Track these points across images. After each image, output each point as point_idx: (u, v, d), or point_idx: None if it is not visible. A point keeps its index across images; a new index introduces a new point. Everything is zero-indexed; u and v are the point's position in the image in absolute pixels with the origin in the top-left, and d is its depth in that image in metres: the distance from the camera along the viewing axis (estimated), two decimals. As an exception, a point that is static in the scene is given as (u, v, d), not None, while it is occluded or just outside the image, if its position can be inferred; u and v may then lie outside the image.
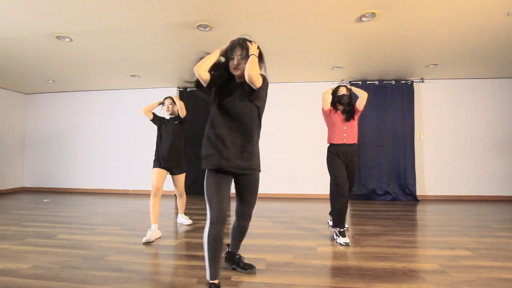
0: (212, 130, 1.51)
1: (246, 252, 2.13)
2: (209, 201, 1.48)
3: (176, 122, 2.90)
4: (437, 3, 2.61)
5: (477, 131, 4.93)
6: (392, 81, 5.00)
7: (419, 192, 4.90)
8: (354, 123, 2.66)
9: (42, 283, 1.64)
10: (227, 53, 1.59)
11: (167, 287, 1.61)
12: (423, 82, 5.03)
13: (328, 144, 2.76)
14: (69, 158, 5.91)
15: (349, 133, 2.63)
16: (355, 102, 2.68)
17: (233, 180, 1.59)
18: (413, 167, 4.87)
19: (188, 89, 5.61)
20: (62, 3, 2.57)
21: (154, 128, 5.67)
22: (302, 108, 5.24)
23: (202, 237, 2.55)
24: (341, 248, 2.29)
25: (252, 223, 1.89)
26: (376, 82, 5.03)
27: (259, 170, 1.61)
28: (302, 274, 1.78)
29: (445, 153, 4.97)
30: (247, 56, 1.53)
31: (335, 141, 2.64)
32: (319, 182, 4.97)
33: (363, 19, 2.88)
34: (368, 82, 5.04)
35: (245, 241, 2.44)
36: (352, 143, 2.64)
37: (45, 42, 3.41)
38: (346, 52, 3.86)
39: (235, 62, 1.55)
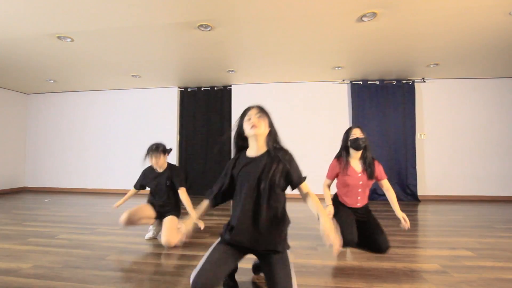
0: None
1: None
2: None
3: (168, 184, 2.53)
4: (438, 2, 2.60)
5: (478, 131, 4.92)
6: (393, 81, 4.99)
7: (420, 192, 4.89)
8: (370, 183, 2.12)
9: (44, 282, 1.64)
10: (240, 121, 1.47)
11: (168, 287, 1.61)
12: (424, 82, 5.02)
13: (334, 195, 2.27)
14: (70, 158, 5.92)
15: (363, 197, 2.14)
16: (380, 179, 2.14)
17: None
18: (414, 167, 4.86)
19: (188, 89, 5.62)
20: (63, 3, 2.58)
21: (154, 128, 5.67)
22: (303, 108, 5.24)
23: (202, 237, 2.56)
24: (342, 248, 2.29)
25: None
26: (377, 82, 5.02)
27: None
28: (303, 274, 1.78)
29: (446, 153, 4.96)
30: (263, 114, 1.44)
31: (347, 203, 2.16)
32: (320, 182, 4.96)
33: (364, 18, 2.88)
34: (369, 82, 5.04)
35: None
36: (364, 206, 2.17)
37: (46, 42, 3.42)
38: (347, 52, 3.85)
39: (252, 120, 1.39)
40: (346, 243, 1.91)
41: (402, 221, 1.93)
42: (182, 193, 2.47)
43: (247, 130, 1.38)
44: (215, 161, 5.47)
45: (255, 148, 1.40)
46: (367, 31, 3.18)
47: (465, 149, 4.91)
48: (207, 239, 2.52)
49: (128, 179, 5.59)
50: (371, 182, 2.12)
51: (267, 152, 1.39)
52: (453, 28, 3.09)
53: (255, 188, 1.34)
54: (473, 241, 2.46)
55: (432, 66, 4.37)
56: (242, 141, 1.47)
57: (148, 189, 2.65)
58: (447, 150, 4.96)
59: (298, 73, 4.77)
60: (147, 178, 2.61)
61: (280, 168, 1.34)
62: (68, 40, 3.36)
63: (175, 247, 2.27)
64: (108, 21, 2.92)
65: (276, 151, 1.38)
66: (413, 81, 4.98)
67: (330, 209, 2.12)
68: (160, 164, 2.54)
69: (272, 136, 1.42)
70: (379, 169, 2.13)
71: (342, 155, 2.18)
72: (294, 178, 1.38)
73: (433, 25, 3.03)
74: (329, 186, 2.25)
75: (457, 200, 4.82)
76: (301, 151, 5.20)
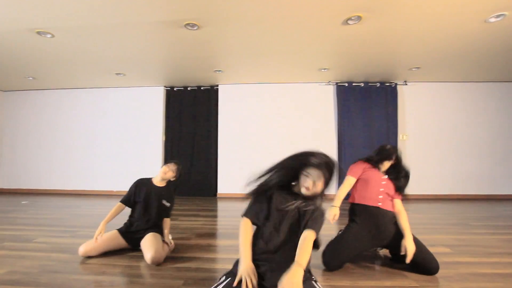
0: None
1: (236, 252, 2.12)
2: None
3: (162, 202, 2.24)
4: (419, 9, 2.70)
5: (457, 133, 5.13)
6: (377, 83, 5.12)
7: (402, 191, 5.04)
8: (392, 193, 1.94)
9: (19, 288, 1.57)
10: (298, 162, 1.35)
11: (151, 290, 1.58)
12: (406, 84, 5.19)
13: (350, 205, 2.02)
14: (49, 158, 5.70)
15: (385, 201, 1.90)
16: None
17: None
18: (397, 167, 5.01)
19: (175, 89, 5.54)
20: (43, -3, 2.49)
21: (139, 128, 5.55)
22: (289, 108, 5.28)
23: (188, 238, 2.53)
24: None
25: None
26: (362, 84, 5.14)
27: None
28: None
29: (426, 154, 5.14)
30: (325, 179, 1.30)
31: (365, 202, 1.90)
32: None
33: (349, 22, 2.94)
34: (354, 84, 5.15)
35: (234, 241, 2.44)
36: (388, 211, 1.89)
37: (25, 37, 3.28)
38: (333, 54, 3.92)
39: (310, 185, 1.29)
40: (329, 267, 1.79)
41: (404, 251, 1.73)
42: (168, 222, 2.25)
43: (301, 183, 1.31)
44: (201, 161, 5.43)
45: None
46: (352, 34, 3.25)
47: (444, 151, 5.11)
48: (192, 241, 2.50)
49: (111, 180, 5.45)
50: (393, 193, 1.94)
51: (302, 200, 1.33)
52: (433, 33, 3.22)
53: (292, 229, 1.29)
54: (450, 238, 2.56)
55: (413, 69, 4.52)
56: (289, 180, 1.39)
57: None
58: (427, 151, 5.14)
59: (285, 74, 4.81)
60: (140, 191, 2.24)
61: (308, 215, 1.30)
62: (49, 35, 3.24)
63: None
64: (91, 17, 2.84)
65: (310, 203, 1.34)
66: (396, 84, 5.14)
67: (336, 211, 1.96)
68: (168, 176, 2.28)
69: (320, 196, 1.36)
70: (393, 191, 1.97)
71: (371, 159, 2.08)
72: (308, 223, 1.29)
73: (415, 30, 3.14)
74: (350, 186, 2.02)
75: (436, 199, 5.00)
76: (287, 151, 5.24)
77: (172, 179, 2.34)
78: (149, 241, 2.00)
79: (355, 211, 1.95)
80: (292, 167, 1.36)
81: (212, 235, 2.71)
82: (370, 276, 1.73)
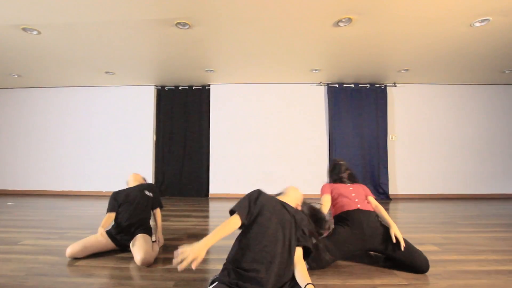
0: None
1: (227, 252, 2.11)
2: None
3: (144, 194, 2.30)
4: (407, 12, 2.76)
5: (445, 134, 5.26)
6: (367, 85, 5.20)
7: (391, 191, 5.14)
8: (361, 187, 2.16)
9: (4, 292, 1.53)
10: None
11: (142, 292, 1.56)
12: (396, 86, 5.29)
13: (334, 218, 2.09)
14: (37, 158, 5.55)
15: (361, 201, 2.02)
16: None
17: None
18: (386, 167, 5.10)
19: (166, 88, 5.48)
20: (29, -7, 2.42)
21: (130, 128, 5.47)
22: (281, 109, 5.31)
23: (180, 239, 2.51)
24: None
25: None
26: (352, 85, 5.21)
27: None
28: (280, 273, 1.79)
29: (415, 154, 5.25)
30: None
31: (345, 208, 1.99)
32: (303, 182, 5.05)
33: (340, 23, 2.98)
34: (344, 85, 5.21)
35: (228, 241, 2.43)
36: (367, 210, 1.95)
37: (10, 34, 3.19)
38: (324, 55, 3.96)
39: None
40: (311, 266, 1.82)
41: (394, 238, 1.79)
42: (159, 213, 2.36)
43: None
44: (193, 162, 5.39)
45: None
46: (343, 36, 3.29)
47: (432, 151, 5.24)
48: (184, 241, 2.47)
49: (100, 180, 5.35)
50: (364, 194, 2.10)
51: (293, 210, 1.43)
52: (422, 36, 3.29)
53: (284, 233, 1.30)
54: (438, 237, 2.62)
55: (402, 71, 4.61)
56: None
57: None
58: (416, 151, 5.25)
59: (277, 74, 4.83)
60: (119, 197, 2.25)
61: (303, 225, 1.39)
62: (35, 32, 3.15)
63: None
64: (79, 14, 2.78)
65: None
66: (385, 85, 5.23)
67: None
68: (137, 178, 2.47)
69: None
70: (363, 187, 2.18)
71: (333, 177, 2.32)
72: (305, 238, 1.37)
73: (404, 33, 3.20)
74: (329, 202, 2.11)
75: (425, 198, 5.11)
76: (279, 151, 5.26)
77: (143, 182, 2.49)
78: (139, 243, 1.98)
79: (339, 219, 1.99)
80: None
81: (204, 235, 2.67)
82: (360, 275, 1.76)
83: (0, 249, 2.24)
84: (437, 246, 2.34)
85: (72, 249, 1.99)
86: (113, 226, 2.21)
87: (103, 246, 2.11)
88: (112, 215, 2.18)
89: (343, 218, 1.95)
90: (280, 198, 1.54)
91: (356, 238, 1.86)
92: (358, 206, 1.96)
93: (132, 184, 2.42)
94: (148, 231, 2.19)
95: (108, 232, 2.16)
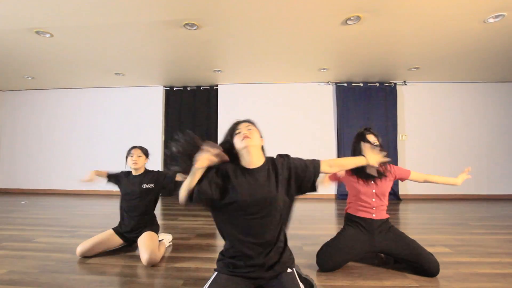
0: None
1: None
2: None
3: (144, 187, 2.20)
4: (418, 9, 2.71)
5: (456, 133, 5.14)
6: (376, 84, 5.13)
7: (401, 191, 5.05)
8: (387, 187, 1.86)
9: (19, 288, 1.57)
10: (227, 137, 1.32)
11: (152, 290, 1.58)
12: (406, 84, 5.20)
13: (345, 214, 1.99)
14: (49, 158, 5.69)
15: (379, 207, 1.85)
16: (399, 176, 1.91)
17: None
18: (396, 167, 5.02)
19: (174, 89, 5.54)
20: (42, -3, 2.48)
21: (139, 128, 5.54)
22: (289, 108, 5.29)
23: (188, 238, 2.53)
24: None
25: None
26: (361, 84, 5.14)
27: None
28: (288, 273, 1.78)
29: (426, 154, 5.15)
30: (254, 126, 1.32)
31: (360, 214, 1.87)
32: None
33: (348, 22, 2.94)
34: (353, 84, 5.15)
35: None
36: (383, 219, 1.85)
37: (24, 37, 3.28)
38: (332, 54, 3.92)
39: (243, 131, 1.25)
40: (322, 268, 1.79)
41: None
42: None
43: (238, 143, 1.23)
44: (201, 161, 5.42)
45: (248, 163, 1.24)
46: (352, 35, 3.25)
47: (443, 150, 5.12)
48: (192, 241, 2.49)
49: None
50: (387, 190, 1.87)
51: (266, 163, 1.27)
52: (432, 34, 3.22)
53: (262, 204, 1.18)
54: (450, 238, 2.56)
55: (413, 69, 4.53)
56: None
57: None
58: (427, 151, 5.15)
59: (285, 74, 4.81)
60: (122, 180, 2.26)
61: (285, 175, 1.25)
62: (47, 35, 3.23)
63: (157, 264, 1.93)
64: (90, 17, 2.84)
65: (273, 160, 1.29)
66: (395, 84, 5.14)
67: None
68: (139, 162, 2.21)
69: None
70: (398, 170, 1.93)
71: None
72: (310, 171, 1.26)
73: (414, 30, 3.14)
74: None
75: (436, 198, 5.01)
76: (286, 151, 5.23)
77: (146, 163, 2.31)
78: (144, 242, 1.98)
79: (350, 219, 1.92)
80: (226, 142, 1.30)
81: (212, 235, 2.70)
82: (369, 276, 1.73)
83: (15, 246, 2.31)
84: (449, 247, 2.29)
85: (82, 247, 2.01)
86: (119, 222, 2.22)
87: (112, 243, 2.12)
88: (105, 176, 2.27)
89: (354, 221, 1.89)
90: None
91: (363, 243, 1.83)
92: (373, 216, 1.84)
93: (133, 172, 2.28)
94: (155, 227, 2.19)
95: (115, 229, 2.17)
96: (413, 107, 5.20)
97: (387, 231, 1.85)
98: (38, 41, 3.38)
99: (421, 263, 1.71)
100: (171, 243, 2.37)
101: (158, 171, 2.33)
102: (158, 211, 3.93)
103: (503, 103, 5.15)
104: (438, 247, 2.31)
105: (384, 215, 1.88)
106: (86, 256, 2.03)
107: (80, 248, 2.01)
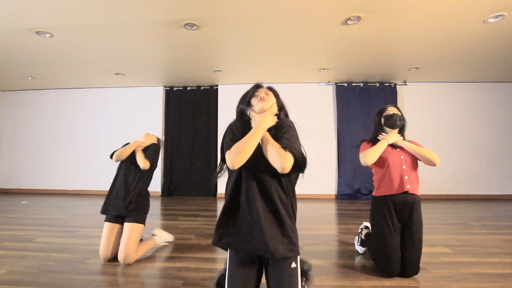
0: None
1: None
2: None
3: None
4: (418, 9, 2.70)
5: (457, 133, 5.14)
6: (376, 83, 5.12)
7: (401, 191, 5.04)
8: (414, 163, 1.83)
9: (19, 288, 1.57)
10: (244, 98, 1.33)
11: (152, 290, 1.58)
12: (406, 84, 5.19)
13: (372, 198, 1.89)
14: (49, 158, 5.69)
15: (412, 178, 1.76)
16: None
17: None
18: (396, 167, 5.02)
19: (174, 88, 5.54)
20: (42, -3, 2.48)
21: (139, 128, 5.54)
22: (289, 108, 5.27)
23: (188, 238, 2.53)
24: (327, 247, 2.33)
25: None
26: (361, 84, 5.14)
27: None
28: (288, 273, 1.78)
29: (426, 154, 5.14)
30: (272, 92, 1.33)
31: (394, 189, 1.73)
32: (311, 182, 5.03)
33: (348, 22, 2.94)
34: (353, 84, 5.15)
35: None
36: (414, 194, 1.75)
37: (24, 37, 3.28)
38: (332, 54, 3.92)
39: (260, 94, 1.28)
40: (389, 275, 1.68)
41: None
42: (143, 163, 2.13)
43: (255, 104, 1.24)
44: (201, 161, 5.42)
45: None
46: (352, 35, 3.25)
47: (444, 150, 5.12)
48: (192, 241, 2.49)
49: (111, 179, 5.42)
50: (416, 162, 1.81)
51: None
52: (432, 34, 3.22)
53: (256, 170, 1.10)
54: (450, 238, 2.56)
55: (413, 69, 4.53)
56: (243, 114, 1.30)
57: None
58: (427, 151, 5.14)
59: (285, 74, 4.81)
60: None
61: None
62: (48, 35, 3.23)
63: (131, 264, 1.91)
64: (90, 17, 2.84)
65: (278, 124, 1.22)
66: (395, 84, 5.14)
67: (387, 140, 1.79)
68: (148, 139, 2.37)
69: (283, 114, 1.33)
70: (418, 145, 1.88)
71: (374, 137, 1.91)
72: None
73: (414, 30, 3.14)
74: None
75: (436, 199, 5.01)
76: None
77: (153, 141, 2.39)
78: (124, 235, 1.94)
79: (379, 200, 1.79)
80: (242, 103, 1.31)
81: (212, 235, 2.70)
82: (369, 276, 1.73)
83: (15, 246, 2.31)
84: (449, 248, 2.29)
85: (104, 253, 1.94)
86: (104, 205, 2.12)
87: (119, 233, 2.03)
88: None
89: (381, 201, 1.79)
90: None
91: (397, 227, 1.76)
92: (408, 187, 1.73)
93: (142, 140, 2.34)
94: (141, 213, 2.07)
95: (107, 218, 2.07)
96: (413, 107, 5.20)
97: (418, 208, 1.74)
98: (38, 41, 3.38)
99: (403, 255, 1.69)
100: (167, 243, 2.35)
101: (154, 145, 2.36)
102: (158, 211, 3.93)
103: (503, 103, 5.14)
104: (438, 247, 2.31)
105: (417, 185, 1.77)
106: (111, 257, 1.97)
107: (103, 254, 1.94)
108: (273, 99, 1.30)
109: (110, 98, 5.62)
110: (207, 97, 5.48)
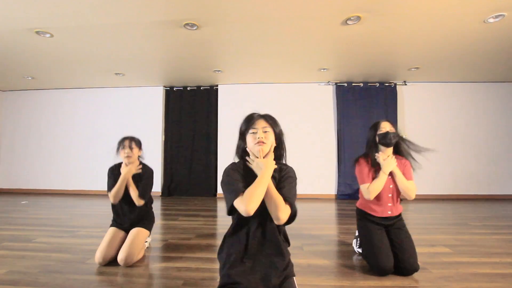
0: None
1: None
2: None
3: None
4: (418, 9, 2.70)
5: (456, 133, 5.14)
6: (376, 83, 5.12)
7: (401, 191, 5.04)
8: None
9: (19, 288, 1.57)
10: (243, 129, 1.27)
11: (152, 290, 1.58)
12: (406, 84, 5.19)
13: (357, 208, 2.02)
14: (48, 158, 5.69)
15: (394, 203, 1.89)
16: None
17: None
18: (396, 167, 5.02)
19: (174, 89, 5.54)
20: (42, -3, 2.48)
21: (139, 128, 5.54)
22: (289, 108, 5.28)
23: (188, 238, 2.53)
24: (327, 247, 2.33)
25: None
26: (361, 84, 5.14)
27: None
28: (288, 273, 1.78)
29: (425, 154, 5.13)
30: (271, 126, 1.25)
31: (376, 212, 1.86)
32: (311, 182, 5.02)
33: (348, 22, 2.94)
34: (353, 84, 5.15)
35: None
36: (398, 215, 1.88)
37: (24, 37, 3.27)
38: (332, 54, 3.92)
39: (258, 134, 1.19)
40: (382, 272, 1.70)
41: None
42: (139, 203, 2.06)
43: (251, 145, 1.20)
44: (201, 162, 5.42)
45: None
46: (352, 35, 3.25)
47: (444, 150, 5.12)
48: (192, 241, 2.49)
49: (110, 180, 5.43)
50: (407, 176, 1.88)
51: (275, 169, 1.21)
52: (432, 34, 3.22)
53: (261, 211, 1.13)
54: (451, 238, 2.56)
55: (413, 69, 4.52)
56: (244, 153, 1.28)
57: None
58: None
59: (285, 74, 4.81)
60: (116, 177, 2.13)
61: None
62: (48, 35, 3.23)
63: (132, 266, 1.90)
64: (90, 17, 2.84)
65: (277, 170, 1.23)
66: (395, 84, 5.14)
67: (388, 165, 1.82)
68: (132, 155, 2.10)
69: (278, 152, 1.32)
70: (407, 169, 1.92)
71: (370, 153, 1.92)
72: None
73: (414, 30, 3.14)
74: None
75: (436, 199, 5.01)
76: (287, 150, 5.23)
77: (139, 155, 2.22)
78: (128, 237, 1.96)
79: (364, 215, 1.94)
80: (242, 135, 1.28)
81: (212, 235, 2.70)
82: (370, 276, 1.73)
83: (15, 246, 2.31)
84: (449, 248, 2.29)
85: (100, 256, 1.88)
86: (113, 218, 2.17)
87: (122, 238, 2.03)
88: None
89: (367, 215, 1.93)
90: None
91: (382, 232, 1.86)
92: (389, 213, 1.88)
93: (128, 166, 2.17)
94: (147, 223, 2.12)
95: (114, 225, 2.11)
96: (413, 107, 5.20)
97: (403, 229, 1.86)
98: (38, 41, 3.38)
99: (401, 258, 1.72)
100: (146, 242, 2.24)
101: (148, 171, 2.24)
102: (158, 211, 3.93)
103: (503, 103, 5.14)
104: (438, 247, 2.31)
105: (400, 210, 1.90)
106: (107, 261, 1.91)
107: (98, 257, 1.87)
108: (272, 138, 1.23)
109: (110, 98, 5.61)
110: (207, 97, 5.48)
